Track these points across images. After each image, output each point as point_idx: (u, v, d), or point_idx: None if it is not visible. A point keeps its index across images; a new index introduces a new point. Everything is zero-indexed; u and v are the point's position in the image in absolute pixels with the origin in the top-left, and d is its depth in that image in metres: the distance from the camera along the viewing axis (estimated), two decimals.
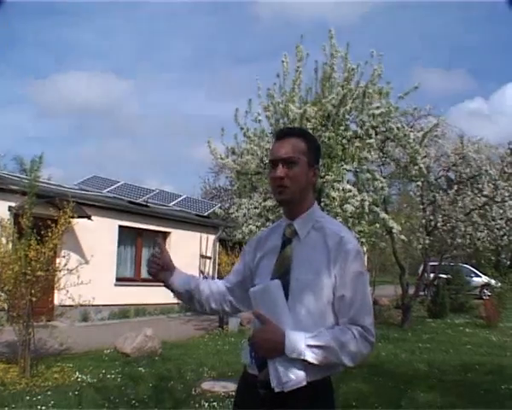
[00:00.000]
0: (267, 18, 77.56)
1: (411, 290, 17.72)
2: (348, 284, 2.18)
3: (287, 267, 2.25)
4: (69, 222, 8.35)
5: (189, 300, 2.53)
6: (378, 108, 8.31)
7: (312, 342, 2.08)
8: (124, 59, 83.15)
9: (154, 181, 72.19)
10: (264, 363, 2.13)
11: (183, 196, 22.67)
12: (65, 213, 8.33)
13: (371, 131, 8.42)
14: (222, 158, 13.12)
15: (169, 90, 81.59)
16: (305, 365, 2.08)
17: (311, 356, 2.07)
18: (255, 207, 9.10)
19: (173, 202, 21.29)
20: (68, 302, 8.67)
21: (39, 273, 7.77)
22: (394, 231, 9.15)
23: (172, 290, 2.51)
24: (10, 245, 8.18)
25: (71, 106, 71.81)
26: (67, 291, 8.33)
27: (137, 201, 18.33)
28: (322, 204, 11.12)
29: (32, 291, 7.83)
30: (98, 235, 15.41)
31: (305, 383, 2.08)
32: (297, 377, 2.07)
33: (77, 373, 8.14)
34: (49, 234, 8.07)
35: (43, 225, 8.19)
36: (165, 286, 2.51)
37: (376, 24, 74.12)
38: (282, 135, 2.39)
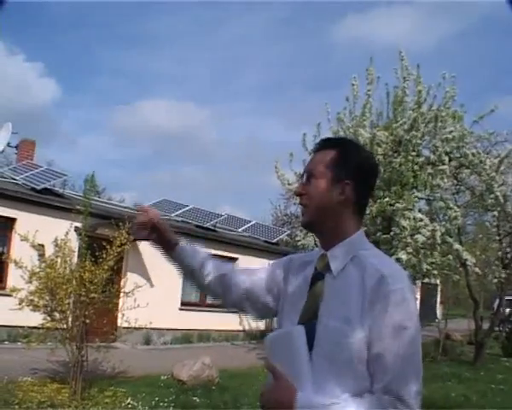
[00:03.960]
0: (342, 47, 77.32)
1: (485, 325, 16.87)
2: (386, 340, 1.59)
3: (315, 309, 1.72)
4: (125, 243, 8.18)
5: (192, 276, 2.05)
6: (451, 132, 7.88)
7: None
8: (201, 87, 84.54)
9: (227, 206, 72.83)
10: None
11: (253, 222, 22.48)
12: (120, 234, 8.18)
13: (444, 157, 8.01)
14: (289, 184, 12.86)
15: (245, 118, 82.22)
16: None
17: None
18: None
19: (242, 228, 21.12)
20: (131, 325, 8.53)
21: (93, 295, 7.63)
22: (468, 263, 8.69)
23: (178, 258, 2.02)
24: (67, 266, 8.09)
25: (149, 132, 73.48)
26: (123, 315, 8.21)
27: (205, 225, 18.20)
28: (392, 233, 10.72)
29: (86, 313, 7.70)
30: (164, 258, 15.29)
31: None
32: None
33: (129, 399, 7.93)
34: (104, 255, 7.94)
35: (108, 245, 8.13)
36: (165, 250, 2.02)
37: (450, 51, 72.61)
38: (315, 148, 1.93)
